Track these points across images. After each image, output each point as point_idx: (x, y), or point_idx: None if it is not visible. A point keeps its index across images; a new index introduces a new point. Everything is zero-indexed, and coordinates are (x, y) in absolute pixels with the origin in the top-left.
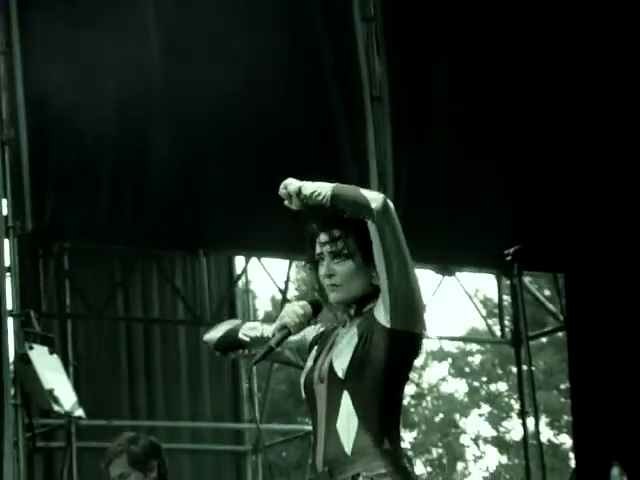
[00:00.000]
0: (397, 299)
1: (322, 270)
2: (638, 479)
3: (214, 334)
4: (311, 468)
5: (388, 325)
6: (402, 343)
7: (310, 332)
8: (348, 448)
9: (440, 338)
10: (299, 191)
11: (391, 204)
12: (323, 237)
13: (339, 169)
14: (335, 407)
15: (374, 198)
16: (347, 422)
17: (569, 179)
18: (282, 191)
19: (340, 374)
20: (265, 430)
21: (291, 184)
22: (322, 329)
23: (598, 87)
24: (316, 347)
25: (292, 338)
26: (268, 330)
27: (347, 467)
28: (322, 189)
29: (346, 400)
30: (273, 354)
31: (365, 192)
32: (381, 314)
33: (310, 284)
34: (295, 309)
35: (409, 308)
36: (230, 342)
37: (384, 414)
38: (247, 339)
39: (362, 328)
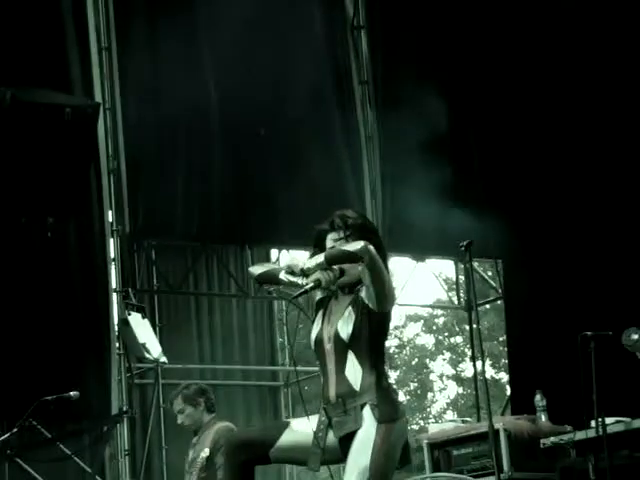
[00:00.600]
0: (380, 301)
1: None
2: (554, 403)
3: (258, 269)
4: (322, 399)
5: (375, 309)
6: (381, 318)
7: (315, 293)
8: (357, 387)
9: (415, 305)
10: (302, 271)
11: (371, 247)
12: (335, 235)
13: (347, 197)
14: (343, 360)
15: (359, 249)
16: (354, 370)
17: (505, 191)
18: (290, 278)
19: (346, 339)
20: (293, 371)
21: (296, 267)
22: (318, 297)
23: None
24: (321, 311)
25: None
26: (303, 280)
27: (356, 399)
28: (318, 260)
29: (351, 356)
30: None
31: (349, 247)
32: (367, 301)
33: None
34: (329, 272)
35: (386, 303)
36: (269, 278)
37: (377, 362)
38: (286, 280)
39: (356, 307)
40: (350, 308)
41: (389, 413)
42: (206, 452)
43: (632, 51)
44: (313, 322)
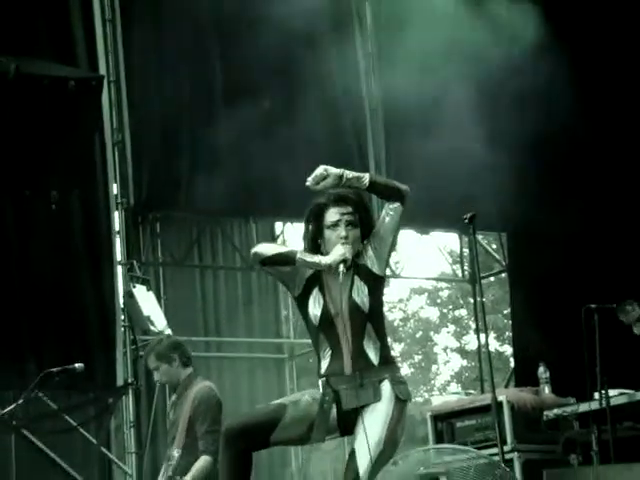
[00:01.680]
0: (386, 261)
1: (339, 232)
2: (558, 375)
3: (266, 251)
4: (325, 372)
5: (381, 274)
6: (383, 283)
7: (305, 270)
8: (376, 361)
9: (419, 278)
10: (342, 175)
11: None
12: (341, 209)
13: (349, 167)
14: (360, 332)
15: (402, 185)
16: (373, 343)
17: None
18: (321, 172)
19: (365, 309)
20: (298, 343)
21: (333, 169)
22: (310, 272)
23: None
24: (317, 287)
25: (287, 268)
26: (323, 258)
27: (375, 373)
28: (364, 176)
29: (369, 328)
30: (281, 270)
31: (394, 181)
32: (375, 268)
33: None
34: (348, 249)
35: (388, 261)
36: (283, 260)
37: (387, 339)
38: (302, 261)
39: (363, 277)
40: (357, 279)
41: (407, 392)
42: (186, 416)
43: None
44: (306, 298)
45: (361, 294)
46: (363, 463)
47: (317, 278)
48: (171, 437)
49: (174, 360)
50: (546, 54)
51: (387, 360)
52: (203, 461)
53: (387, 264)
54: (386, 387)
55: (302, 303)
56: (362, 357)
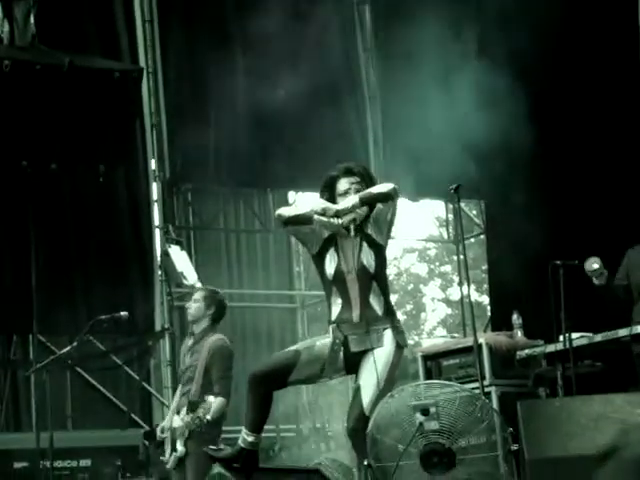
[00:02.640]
0: (388, 236)
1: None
2: (529, 321)
3: (289, 211)
4: (336, 319)
5: (382, 243)
6: (384, 249)
7: (323, 232)
8: (380, 312)
9: (410, 239)
10: (337, 212)
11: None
12: (350, 179)
13: (354, 148)
14: (367, 289)
15: (391, 190)
16: (378, 298)
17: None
18: (323, 219)
19: (371, 270)
20: (308, 295)
21: (330, 210)
22: (327, 234)
23: None
24: (333, 248)
25: (307, 229)
26: (336, 220)
27: (381, 322)
28: (355, 202)
29: (375, 286)
30: (301, 230)
31: (380, 188)
32: (378, 239)
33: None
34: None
35: (387, 234)
36: (301, 220)
37: (389, 293)
38: (318, 221)
39: (369, 243)
40: (365, 245)
41: (404, 340)
42: (202, 363)
43: None
44: (323, 256)
45: (368, 257)
46: (367, 398)
47: (333, 240)
48: (188, 376)
49: (210, 309)
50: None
51: (389, 312)
52: (219, 402)
53: (388, 237)
54: (388, 335)
55: (319, 260)
56: (368, 308)
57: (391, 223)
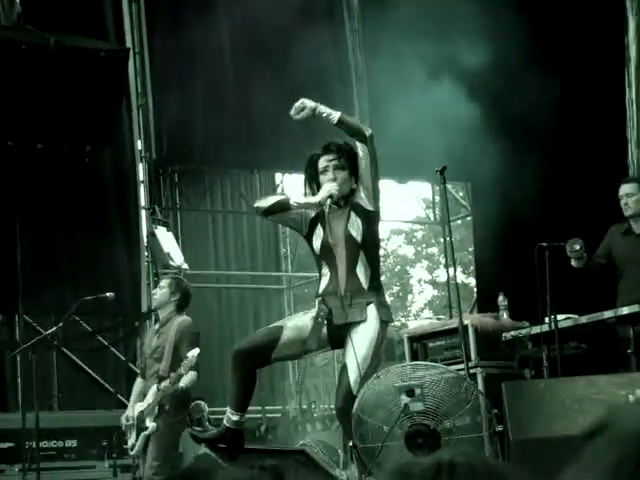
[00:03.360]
0: (375, 197)
1: (329, 176)
2: (515, 303)
3: (264, 204)
4: (322, 291)
5: (372, 208)
6: (377, 220)
7: (309, 213)
8: (366, 285)
9: (397, 221)
10: (315, 108)
11: (330, 188)
12: (328, 157)
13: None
14: (354, 259)
15: (367, 129)
16: (364, 269)
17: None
18: (298, 105)
19: (358, 240)
20: (295, 276)
21: (309, 101)
22: (314, 214)
23: None
24: (319, 224)
25: (295, 212)
26: (312, 197)
27: (364, 296)
28: (334, 113)
29: (362, 256)
30: (285, 218)
31: (361, 124)
32: (366, 203)
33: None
34: (333, 186)
35: (377, 200)
36: (280, 207)
37: (379, 269)
38: (296, 205)
39: (359, 213)
40: (353, 215)
41: (387, 316)
42: (171, 342)
43: None
44: (311, 235)
45: (356, 227)
46: (353, 376)
47: (318, 217)
48: (155, 358)
49: (175, 296)
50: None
51: (376, 285)
52: (191, 374)
53: (377, 199)
54: (372, 309)
55: (309, 240)
56: (354, 280)
57: (375, 179)
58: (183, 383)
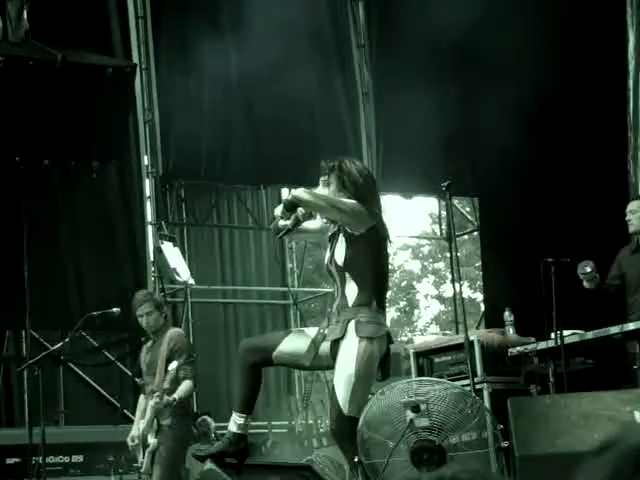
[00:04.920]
0: (350, 225)
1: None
2: (521, 318)
3: (272, 227)
4: (332, 309)
5: (354, 232)
6: (367, 241)
7: (329, 230)
8: (351, 302)
9: (404, 236)
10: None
11: (297, 192)
12: (321, 177)
13: (347, 144)
14: (343, 280)
15: (286, 199)
16: (351, 289)
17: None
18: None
19: (340, 263)
20: (301, 291)
21: (276, 210)
22: (331, 232)
23: None
24: (330, 243)
25: (312, 227)
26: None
27: (347, 313)
28: (280, 208)
29: (348, 277)
30: (311, 236)
31: (291, 194)
32: (352, 229)
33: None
34: (301, 210)
35: (357, 225)
36: (278, 229)
37: (373, 284)
38: (282, 226)
39: (345, 235)
40: (342, 237)
41: (369, 332)
42: (164, 355)
43: None
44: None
45: (340, 249)
46: (341, 396)
47: (334, 236)
48: (151, 373)
49: (163, 312)
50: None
51: (360, 303)
52: (185, 384)
53: (362, 223)
54: (351, 326)
55: None
56: (343, 299)
57: (335, 218)
58: (177, 394)
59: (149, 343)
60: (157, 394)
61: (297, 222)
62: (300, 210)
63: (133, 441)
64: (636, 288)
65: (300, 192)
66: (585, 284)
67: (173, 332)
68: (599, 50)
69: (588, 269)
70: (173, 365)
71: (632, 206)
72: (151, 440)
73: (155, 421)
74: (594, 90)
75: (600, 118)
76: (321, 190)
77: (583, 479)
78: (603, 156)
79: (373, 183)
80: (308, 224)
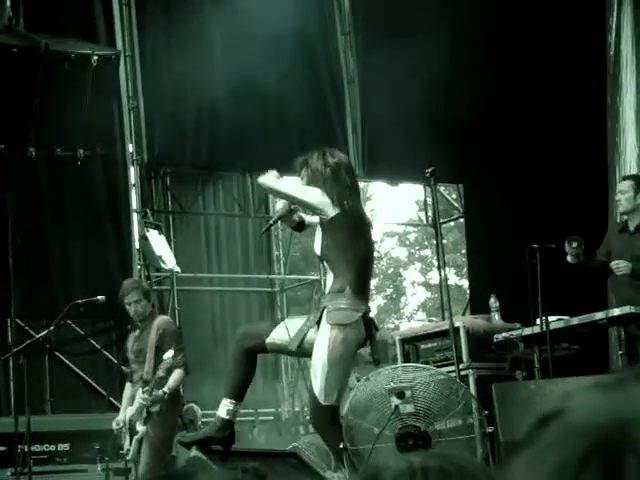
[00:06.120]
0: (315, 211)
1: None
2: (506, 304)
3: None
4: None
5: (324, 218)
6: (335, 228)
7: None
8: (327, 290)
9: (390, 223)
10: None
11: (262, 179)
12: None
13: (332, 132)
14: (324, 268)
15: (259, 182)
16: (328, 276)
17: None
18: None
19: (318, 252)
20: (287, 279)
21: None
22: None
23: None
24: None
25: (315, 221)
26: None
27: (324, 301)
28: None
29: (325, 265)
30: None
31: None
32: (324, 217)
33: None
34: (284, 204)
35: (322, 210)
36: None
37: (348, 271)
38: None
39: (320, 225)
40: (319, 228)
41: (339, 318)
42: (152, 343)
43: None
44: None
45: (317, 239)
46: (316, 385)
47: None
48: (139, 361)
49: (151, 299)
50: None
51: (334, 290)
52: (176, 374)
53: (336, 204)
54: (324, 314)
55: None
56: (325, 287)
57: (302, 205)
58: (167, 387)
59: (136, 331)
60: (147, 389)
61: (279, 217)
62: (279, 205)
63: (118, 425)
64: None
65: (264, 178)
66: (568, 258)
67: (161, 320)
68: (579, 34)
69: (574, 244)
70: (169, 354)
71: (622, 186)
72: (140, 428)
73: (144, 409)
74: (575, 77)
75: (581, 105)
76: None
77: (527, 466)
78: (585, 143)
79: (346, 172)
80: (311, 218)
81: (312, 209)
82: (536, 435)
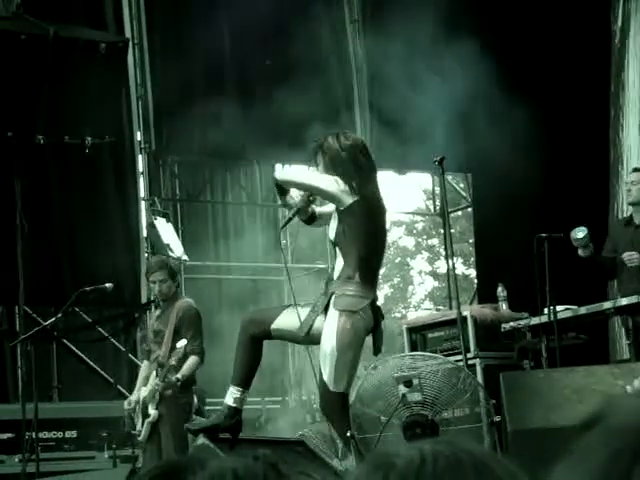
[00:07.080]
0: (333, 200)
1: None
2: (514, 294)
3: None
4: None
5: (340, 207)
6: (354, 216)
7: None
8: (336, 276)
9: (398, 212)
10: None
11: (277, 174)
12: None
13: (338, 117)
14: (335, 254)
15: (274, 177)
16: (338, 263)
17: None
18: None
19: (331, 237)
20: (295, 268)
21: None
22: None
23: None
24: None
25: (329, 210)
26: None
27: (333, 286)
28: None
29: (337, 250)
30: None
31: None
32: (340, 201)
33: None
34: (302, 196)
35: (340, 199)
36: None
37: (360, 258)
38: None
39: (336, 212)
40: (334, 213)
41: (348, 305)
42: (172, 325)
43: None
44: None
45: (332, 224)
46: (326, 371)
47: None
48: (157, 342)
49: (176, 280)
50: None
51: (343, 276)
52: (191, 360)
53: (336, 199)
54: (331, 300)
55: None
56: (332, 272)
57: (320, 194)
58: (181, 374)
59: (158, 311)
60: (160, 374)
61: (297, 211)
62: (294, 197)
63: (130, 404)
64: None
65: (282, 173)
66: (579, 252)
67: (183, 302)
68: (584, 22)
69: (580, 234)
70: (182, 343)
71: (633, 177)
72: (152, 411)
73: (157, 393)
74: (579, 65)
75: (586, 94)
76: (313, 171)
77: (576, 464)
78: (602, 129)
79: (362, 154)
80: (324, 208)
81: (331, 199)
82: (579, 439)
